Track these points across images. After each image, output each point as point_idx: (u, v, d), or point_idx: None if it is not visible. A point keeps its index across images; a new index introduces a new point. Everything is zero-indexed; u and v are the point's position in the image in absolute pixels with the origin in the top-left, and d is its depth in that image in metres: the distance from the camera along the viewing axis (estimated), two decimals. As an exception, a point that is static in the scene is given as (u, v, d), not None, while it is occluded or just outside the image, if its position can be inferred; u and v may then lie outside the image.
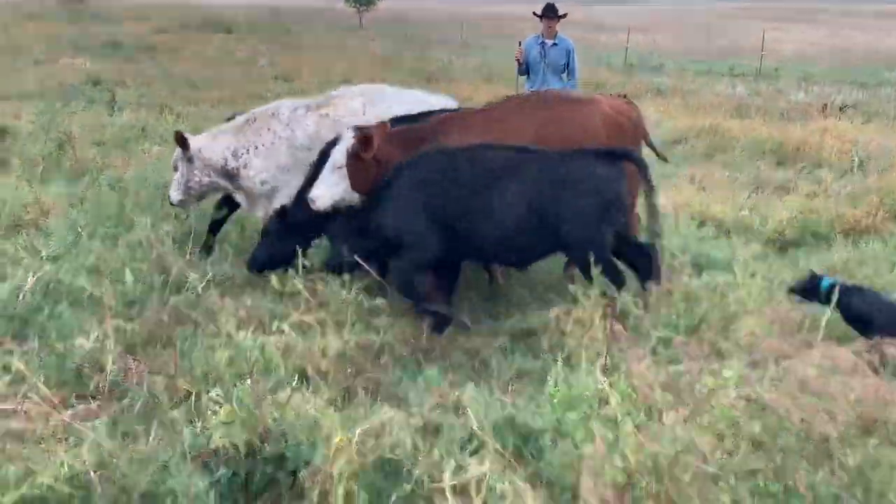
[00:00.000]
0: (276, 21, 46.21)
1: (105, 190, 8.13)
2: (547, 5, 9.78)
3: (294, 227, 5.99)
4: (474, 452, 3.60)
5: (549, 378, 4.00)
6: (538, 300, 5.86)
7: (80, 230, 6.71)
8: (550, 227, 5.36)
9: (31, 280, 5.53)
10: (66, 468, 3.34)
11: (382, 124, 6.16)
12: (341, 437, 3.27)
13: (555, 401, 3.83)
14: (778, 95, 20.33)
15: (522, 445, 3.84)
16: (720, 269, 6.61)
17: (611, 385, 3.77)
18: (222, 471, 3.52)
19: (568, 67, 9.83)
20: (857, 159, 11.34)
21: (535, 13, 9.96)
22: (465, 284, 6.26)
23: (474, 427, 3.72)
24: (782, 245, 7.88)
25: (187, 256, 6.61)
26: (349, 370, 4.56)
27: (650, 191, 5.52)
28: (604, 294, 4.77)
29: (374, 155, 5.89)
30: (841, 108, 16.67)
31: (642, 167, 5.48)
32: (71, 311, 5.24)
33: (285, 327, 4.67)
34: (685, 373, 4.00)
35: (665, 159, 7.25)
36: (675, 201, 9.08)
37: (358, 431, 3.38)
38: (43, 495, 3.14)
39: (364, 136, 5.90)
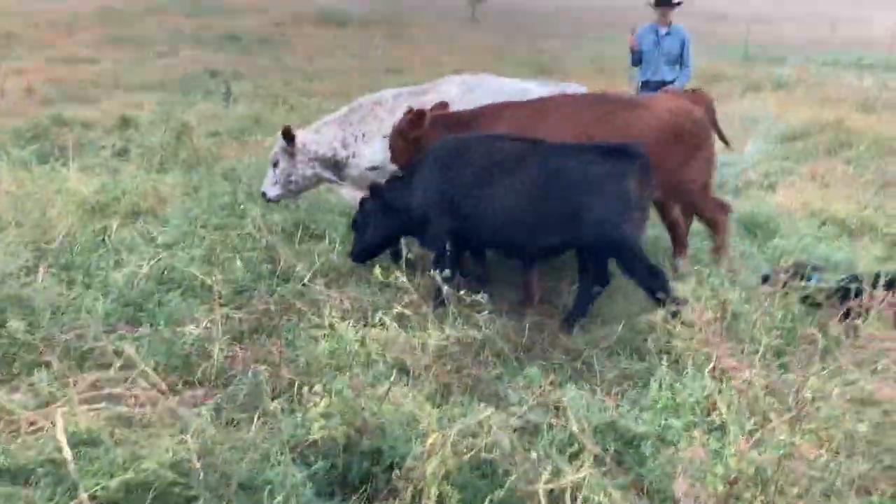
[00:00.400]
0: (390, 14, 46.68)
1: (219, 179, 8.37)
2: None
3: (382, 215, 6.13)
4: (574, 456, 3.52)
5: (652, 382, 3.88)
6: (646, 300, 5.67)
7: (194, 219, 6.90)
8: (552, 220, 5.33)
9: (145, 267, 5.73)
10: (170, 454, 3.41)
11: (443, 104, 6.38)
12: (436, 436, 3.23)
13: (658, 406, 3.71)
14: (910, 89, 19.22)
15: (624, 450, 3.74)
16: (841, 272, 6.32)
17: (719, 391, 3.63)
18: (320, 463, 3.55)
19: (682, 58, 9.58)
20: None
21: (649, 2, 9.71)
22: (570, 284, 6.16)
23: (574, 430, 3.63)
24: (910, 247, 7.44)
25: (295, 246, 6.73)
26: (448, 366, 4.52)
27: (646, 188, 5.33)
28: (715, 297, 4.61)
29: (416, 137, 6.10)
30: (978, 103, 15.63)
31: (643, 164, 5.25)
32: (182, 299, 5.38)
33: (387, 320, 4.69)
34: (792, 377, 3.83)
35: (727, 143, 6.93)
36: (795, 199, 8.72)
37: (454, 430, 3.34)
38: (147, 480, 3.21)
39: (415, 115, 6.10)
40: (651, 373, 4.14)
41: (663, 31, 9.52)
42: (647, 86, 9.60)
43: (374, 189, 6.09)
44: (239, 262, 5.94)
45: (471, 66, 19.64)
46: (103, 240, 6.56)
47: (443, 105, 6.41)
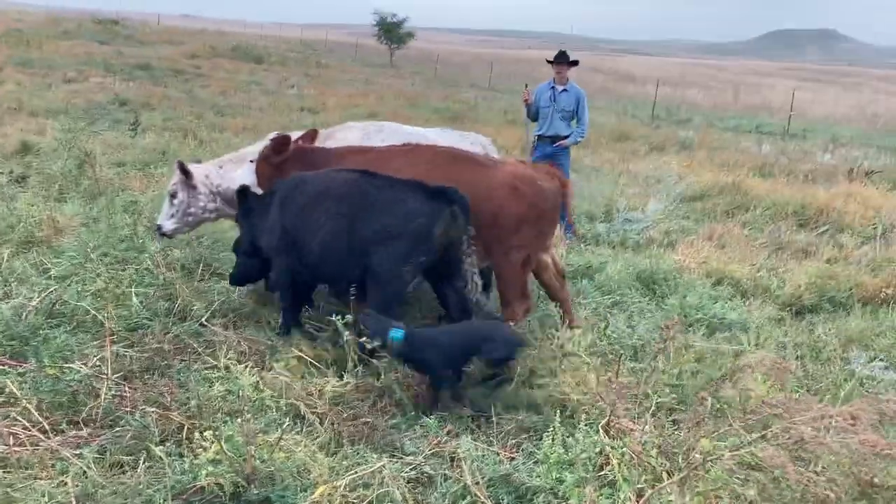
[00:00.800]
0: (308, 54, 46.73)
1: (120, 211, 8.14)
2: (558, 52, 10.15)
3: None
4: (466, 509, 3.51)
5: (545, 436, 3.91)
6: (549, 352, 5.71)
7: (90, 251, 6.68)
8: (360, 253, 5.27)
9: (35, 300, 5.50)
10: (47, 497, 3.26)
11: (313, 132, 6.61)
12: (327, 486, 3.18)
13: (552, 460, 3.73)
14: (804, 156, 20.17)
15: (517, 504, 3.74)
16: (735, 331, 6.51)
17: (612, 448, 3.68)
18: (205, 511, 3.44)
19: (577, 114, 9.98)
20: (880, 227, 11.13)
21: (547, 59, 10.20)
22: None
23: (468, 482, 3.63)
24: (799, 310, 7.72)
25: (195, 284, 6.56)
26: (345, 413, 4.45)
27: (459, 234, 5.33)
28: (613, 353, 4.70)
29: (278, 163, 6.17)
30: (868, 174, 16.42)
31: (463, 209, 5.29)
32: (71, 334, 5.17)
33: (284, 364, 4.61)
34: (683, 436, 3.90)
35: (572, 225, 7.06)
36: (693, 258, 8.97)
37: (346, 480, 3.29)
38: (20, 526, 3.05)
39: (279, 140, 6.20)
40: (547, 426, 4.16)
41: (560, 87, 9.98)
42: (542, 139, 10.09)
43: (243, 191, 5.98)
44: (134, 298, 5.77)
45: (386, 111, 19.84)
46: (-8, 270, 6.30)
47: (311, 136, 6.53)
